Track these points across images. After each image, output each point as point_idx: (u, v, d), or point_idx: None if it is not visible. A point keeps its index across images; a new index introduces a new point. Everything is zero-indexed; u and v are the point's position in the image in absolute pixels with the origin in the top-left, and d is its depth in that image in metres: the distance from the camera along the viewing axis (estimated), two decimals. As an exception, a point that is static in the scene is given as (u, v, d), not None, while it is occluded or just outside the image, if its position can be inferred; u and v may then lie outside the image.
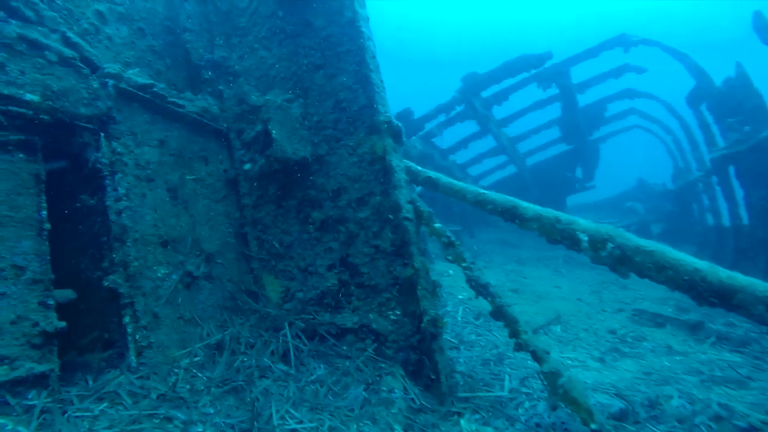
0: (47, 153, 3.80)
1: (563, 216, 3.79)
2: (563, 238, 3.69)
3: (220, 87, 5.15)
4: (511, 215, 4.02)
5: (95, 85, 3.92)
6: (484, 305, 4.35)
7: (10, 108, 3.39)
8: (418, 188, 4.94)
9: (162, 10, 5.19)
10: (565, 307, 7.55)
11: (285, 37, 4.94)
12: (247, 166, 5.00)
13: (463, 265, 4.09)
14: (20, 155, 3.49)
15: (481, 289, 3.99)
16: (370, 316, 4.35)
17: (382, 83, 4.48)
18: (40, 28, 3.68)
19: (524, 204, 4.06)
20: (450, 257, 4.16)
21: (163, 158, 4.37)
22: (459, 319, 6.61)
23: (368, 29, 4.57)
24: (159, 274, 4.01)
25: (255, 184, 4.97)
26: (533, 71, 11.85)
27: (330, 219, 4.56)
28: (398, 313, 4.26)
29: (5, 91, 3.35)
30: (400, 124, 4.34)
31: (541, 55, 11.25)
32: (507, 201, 4.09)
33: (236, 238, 4.94)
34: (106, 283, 3.68)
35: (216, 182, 4.92)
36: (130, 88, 4.13)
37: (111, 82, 3.99)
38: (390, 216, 4.23)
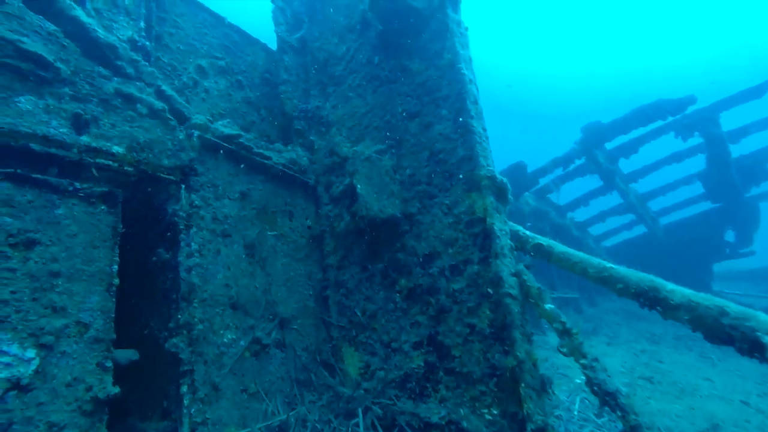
0: (128, 204, 3.71)
1: (732, 308, 2.74)
2: (735, 339, 2.63)
3: (312, 138, 4.88)
4: (650, 300, 3.03)
5: (181, 136, 3.80)
6: (613, 416, 3.30)
7: (98, 160, 3.32)
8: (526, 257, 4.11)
9: (262, 63, 5.15)
10: (724, 410, 5.88)
11: (380, 84, 4.56)
12: (335, 223, 4.58)
13: (582, 362, 3.13)
14: (102, 207, 3.39)
15: (608, 398, 2.99)
16: (461, 411, 3.52)
17: (485, 132, 3.83)
18: (137, 83, 3.67)
19: (668, 286, 3.05)
20: (565, 349, 3.24)
21: (244, 212, 4.11)
22: (575, 413, 5.39)
23: (471, 72, 4.00)
24: (225, 339, 3.62)
25: (341, 242, 4.51)
26: (670, 119, 10.36)
27: (419, 288, 3.90)
28: (495, 412, 3.38)
29: (94, 144, 3.29)
30: (505, 180, 3.62)
31: (681, 100, 9.78)
32: (643, 281, 3.11)
33: (316, 302, 4.47)
34: (167, 346, 3.36)
35: (299, 239, 4.55)
36: (215, 139, 3.97)
37: (196, 133, 3.86)
38: (489, 290, 3.45)
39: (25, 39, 3.12)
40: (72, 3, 3.44)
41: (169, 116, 3.77)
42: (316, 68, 5.18)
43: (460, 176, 3.80)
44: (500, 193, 3.61)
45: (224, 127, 4.12)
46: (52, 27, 3.40)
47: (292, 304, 4.24)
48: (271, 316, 4.01)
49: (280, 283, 4.20)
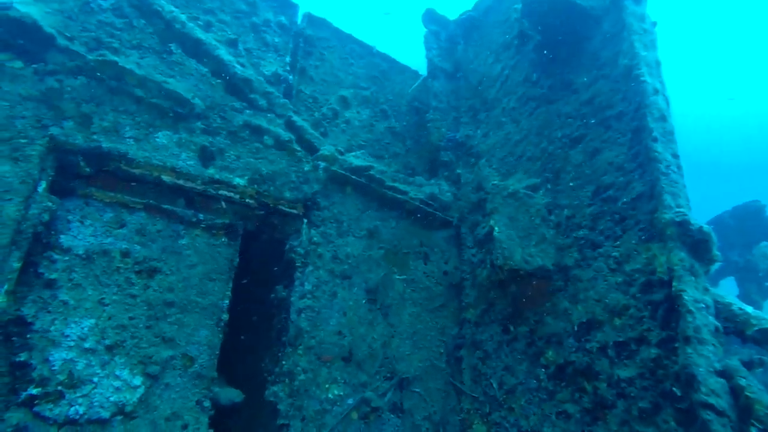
0: (252, 238, 3.64)
1: None
2: None
3: (459, 170, 4.28)
4: None
5: (306, 168, 3.61)
6: None
7: (220, 192, 3.31)
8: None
9: (412, 91, 4.81)
10: None
11: (537, 105, 3.76)
12: (477, 270, 3.86)
13: None
14: (223, 239, 3.36)
15: None
16: None
17: (677, 161, 2.73)
18: (268, 115, 3.64)
19: None
20: None
21: (370, 252, 3.70)
22: None
23: (657, 79, 2.96)
24: (330, 395, 3.20)
25: (482, 294, 3.76)
26: None
27: (570, 366, 2.91)
28: None
29: (217, 176, 3.29)
30: (706, 229, 2.47)
31: None
32: None
33: (447, 363, 3.77)
34: (267, 394, 3.08)
35: (434, 286, 3.94)
36: (343, 171, 3.68)
37: (322, 164, 3.63)
38: (675, 390, 2.32)
39: (170, 80, 3.30)
40: (216, 43, 3.57)
41: (297, 147, 3.63)
42: (469, 93, 4.61)
43: (637, 220, 2.76)
44: (697, 246, 2.47)
45: (355, 158, 3.83)
46: (204, 69, 3.57)
47: (417, 362, 3.62)
48: (388, 374, 3.47)
49: (404, 335, 3.64)
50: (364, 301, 3.53)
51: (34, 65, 2.91)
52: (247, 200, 3.37)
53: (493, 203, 3.29)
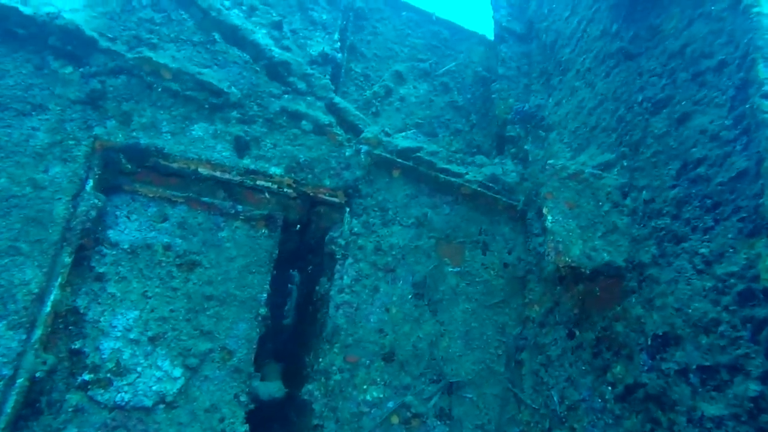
0: (296, 229, 3.53)
1: None
2: None
3: (527, 146, 3.73)
4: None
5: (348, 153, 3.38)
6: None
7: (258, 183, 3.23)
8: None
9: (478, 59, 4.29)
10: None
11: (616, 63, 3.07)
12: (544, 262, 3.35)
13: None
14: (263, 231, 3.30)
15: None
16: None
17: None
18: (308, 98, 3.46)
19: None
20: None
21: (419, 242, 3.39)
22: None
23: (776, 14, 2.18)
24: (368, 397, 3.00)
25: (549, 290, 3.26)
26: None
27: (641, 389, 2.36)
28: None
29: (253, 166, 3.21)
30: None
31: None
32: None
33: (507, 366, 3.35)
34: (302, 392, 2.99)
35: (494, 279, 3.51)
36: (387, 155, 3.39)
37: (364, 148, 3.37)
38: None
39: (205, 71, 3.26)
40: (253, 28, 3.46)
41: (338, 131, 3.40)
42: (542, 56, 3.97)
43: (735, 207, 2.09)
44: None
45: (403, 139, 3.51)
46: (246, 56, 3.50)
47: (470, 364, 3.26)
48: (435, 377, 3.17)
49: (455, 334, 3.30)
50: (410, 296, 3.25)
51: (81, 69, 3.04)
52: (285, 189, 3.26)
53: (548, 187, 2.76)
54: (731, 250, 2.05)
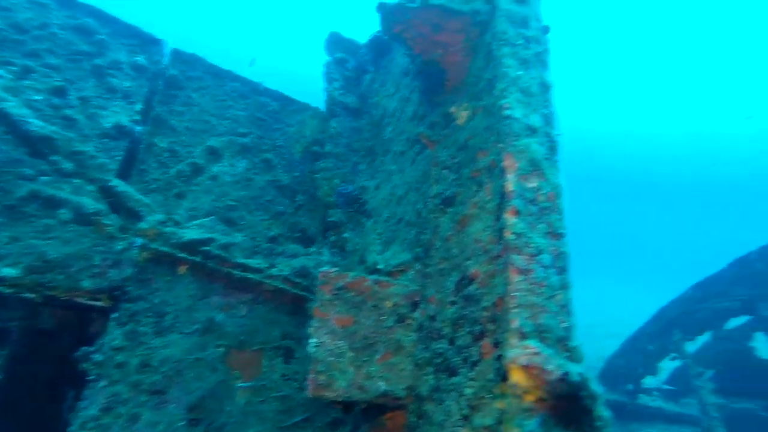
0: (52, 341, 2.83)
1: None
2: None
3: (346, 234, 3.33)
4: None
5: (119, 247, 2.79)
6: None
7: (-13, 286, 2.54)
8: None
9: (310, 133, 3.94)
10: None
11: (421, 149, 2.79)
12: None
13: None
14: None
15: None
16: None
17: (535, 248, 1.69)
18: (75, 180, 2.88)
19: None
20: None
21: (201, 352, 2.80)
22: None
23: (538, 112, 1.94)
24: None
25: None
26: None
27: None
28: None
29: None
30: (587, 387, 1.41)
31: None
32: None
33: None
34: None
35: (296, 393, 2.95)
36: (168, 249, 2.83)
37: (139, 241, 2.80)
38: None
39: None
40: (4, 95, 2.87)
41: (108, 221, 2.82)
42: (370, 132, 3.69)
43: (496, 341, 1.72)
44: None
45: (193, 229, 2.98)
46: None
47: None
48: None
49: (243, 469, 2.68)
50: (182, 424, 2.62)
51: None
52: (25, 294, 2.58)
53: (317, 301, 2.29)
54: (489, 396, 1.66)
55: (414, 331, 2.25)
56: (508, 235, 1.63)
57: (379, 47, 3.94)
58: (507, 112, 1.87)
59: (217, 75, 3.84)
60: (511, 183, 1.73)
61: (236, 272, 2.95)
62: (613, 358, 8.81)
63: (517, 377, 1.38)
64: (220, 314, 2.91)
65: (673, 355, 8.08)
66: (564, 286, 1.61)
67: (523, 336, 1.45)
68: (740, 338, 7.76)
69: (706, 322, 7.78)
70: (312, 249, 3.34)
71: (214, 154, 3.55)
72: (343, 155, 3.68)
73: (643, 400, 8.59)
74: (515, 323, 1.48)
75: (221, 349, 2.85)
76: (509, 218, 1.66)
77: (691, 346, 7.96)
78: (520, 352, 1.39)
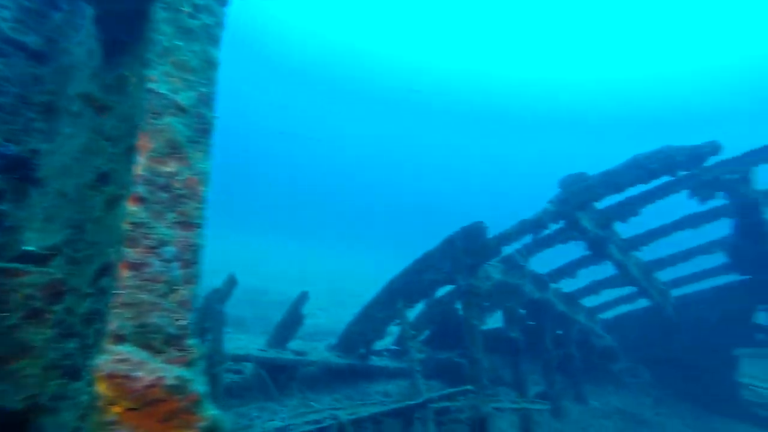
0: None
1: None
2: None
3: (3, 207, 2.73)
4: None
5: None
6: None
7: None
8: None
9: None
10: None
11: (96, 112, 2.45)
12: None
13: None
14: None
15: None
16: None
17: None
18: None
19: None
20: None
21: None
22: None
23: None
24: None
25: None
26: (682, 173, 7.97)
27: None
28: None
29: None
30: None
31: (699, 148, 7.42)
32: None
33: None
34: None
35: None
36: None
37: None
38: None
39: None
40: None
41: None
42: (55, 85, 3.10)
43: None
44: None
45: None
46: None
47: None
48: None
49: None
50: None
51: None
52: None
53: None
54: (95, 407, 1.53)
55: (51, 327, 1.96)
56: (125, 225, 1.51)
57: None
58: (151, 85, 1.72)
59: None
60: (140, 166, 1.60)
61: None
62: (350, 325, 9.71)
63: (101, 387, 1.29)
64: None
65: (397, 321, 9.35)
66: (189, 281, 1.58)
67: (119, 339, 1.37)
68: (448, 302, 9.46)
69: (422, 292, 9.17)
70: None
71: None
72: (11, 107, 2.99)
73: (374, 361, 9.75)
74: (112, 325, 1.38)
75: None
76: (130, 206, 1.54)
77: (412, 313, 9.33)
78: (107, 359, 1.31)
